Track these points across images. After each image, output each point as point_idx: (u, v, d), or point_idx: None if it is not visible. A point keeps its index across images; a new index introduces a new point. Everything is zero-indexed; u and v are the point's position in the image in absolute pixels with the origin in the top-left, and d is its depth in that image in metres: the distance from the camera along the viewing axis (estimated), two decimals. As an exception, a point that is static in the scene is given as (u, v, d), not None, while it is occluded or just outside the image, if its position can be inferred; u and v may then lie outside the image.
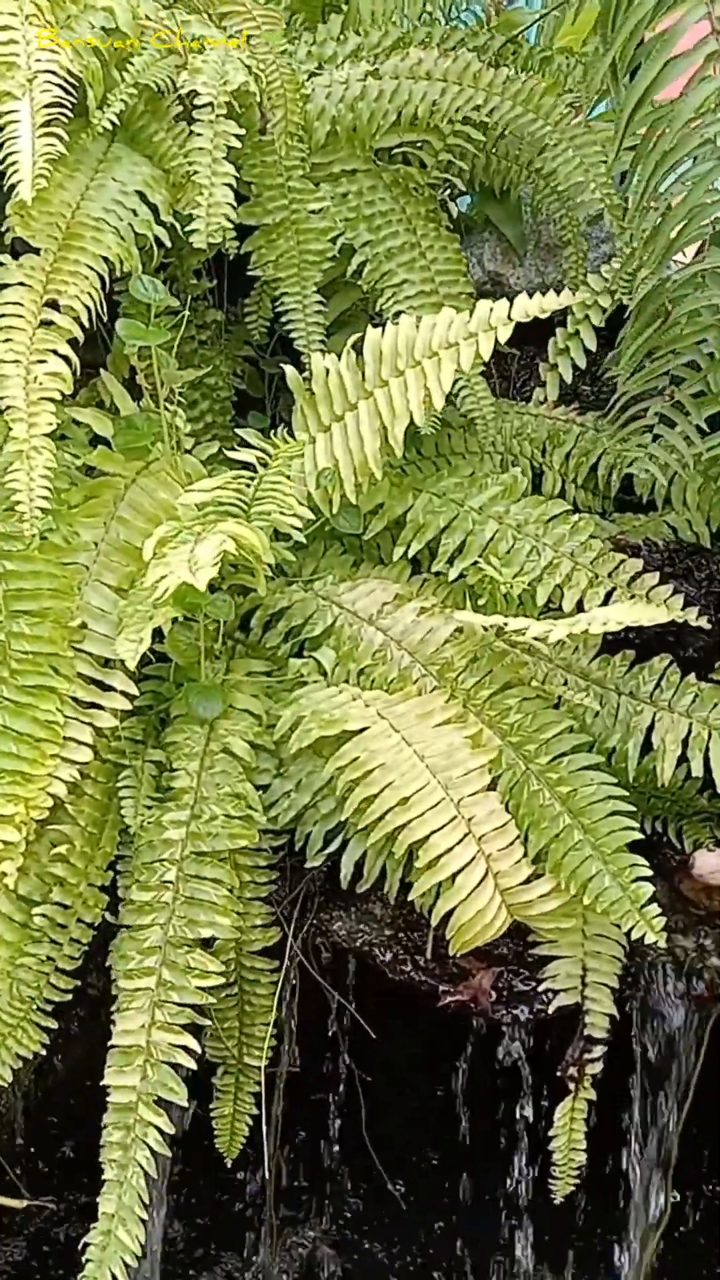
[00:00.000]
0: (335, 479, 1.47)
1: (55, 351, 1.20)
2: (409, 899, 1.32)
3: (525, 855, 1.32)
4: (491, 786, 1.32)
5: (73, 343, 1.27)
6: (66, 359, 1.22)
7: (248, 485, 1.35)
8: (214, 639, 1.43)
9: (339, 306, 1.71)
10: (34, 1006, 1.31)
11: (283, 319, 1.59)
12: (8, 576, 1.31)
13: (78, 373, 1.32)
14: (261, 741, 1.40)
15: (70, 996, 1.34)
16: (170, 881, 1.27)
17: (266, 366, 1.85)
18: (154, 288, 1.34)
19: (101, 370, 1.49)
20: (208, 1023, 1.27)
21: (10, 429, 1.15)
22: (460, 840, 1.28)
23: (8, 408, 1.16)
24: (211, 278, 1.72)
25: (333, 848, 1.38)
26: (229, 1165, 1.50)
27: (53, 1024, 1.33)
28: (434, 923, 1.31)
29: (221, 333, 1.76)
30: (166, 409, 1.50)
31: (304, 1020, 1.52)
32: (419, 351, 1.44)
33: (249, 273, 1.60)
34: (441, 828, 1.28)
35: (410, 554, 1.54)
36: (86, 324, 1.26)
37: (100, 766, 1.39)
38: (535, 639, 1.33)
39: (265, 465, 1.33)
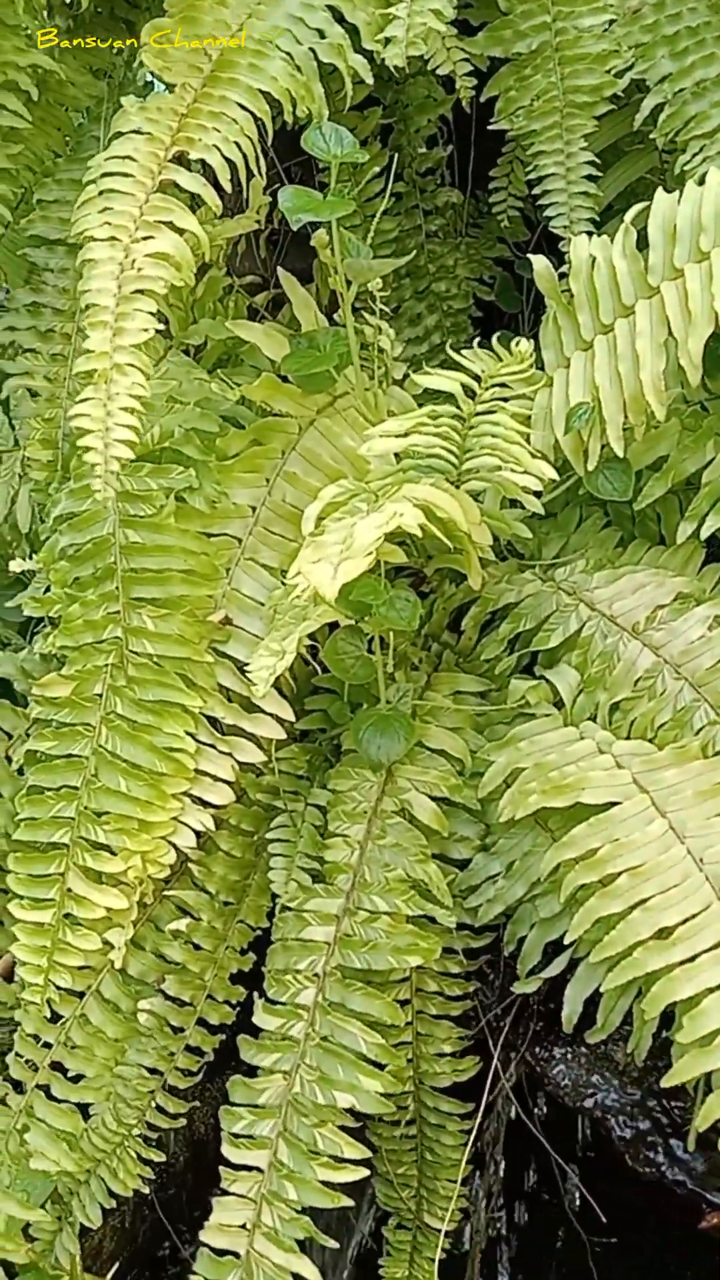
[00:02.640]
0: (595, 419, 1.00)
1: (170, 224, 0.81)
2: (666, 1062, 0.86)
3: None
4: None
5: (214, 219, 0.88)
6: (182, 233, 0.82)
7: (459, 427, 0.91)
8: (400, 648, 1.02)
9: (619, 179, 1.22)
10: (133, 1132, 0.97)
11: (537, 191, 1.12)
12: (129, 552, 0.96)
13: (225, 261, 0.94)
14: (462, 799, 0.98)
15: (182, 1122, 0.99)
16: (305, 1008, 0.88)
17: (525, 270, 1.39)
18: (336, 138, 0.92)
19: (280, 269, 1.10)
20: (349, 1201, 0.87)
21: (88, 335, 0.78)
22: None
23: (88, 305, 0.79)
24: (447, 142, 1.27)
25: (553, 971, 0.94)
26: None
27: (158, 1156, 0.99)
28: (705, 1111, 0.84)
29: (460, 223, 1.32)
30: (366, 322, 1.08)
31: (511, 1175, 1.10)
32: (738, 222, 0.93)
33: (491, 126, 1.13)
34: (723, 981, 0.80)
35: (705, 533, 1.04)
36: (228, 185, 0.86)
37: (244, 812, 1.02)
38: None
39: (473, 395, 0.88)
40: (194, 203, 0.85)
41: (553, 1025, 1.06)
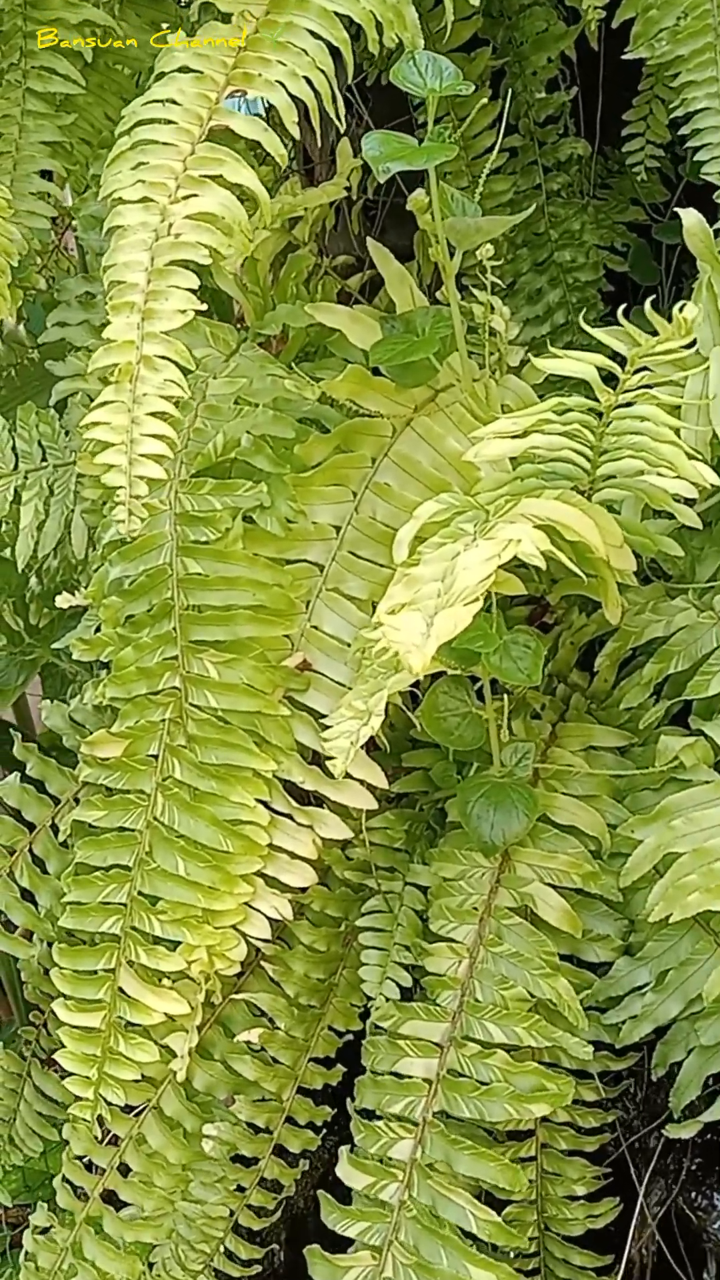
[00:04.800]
0: (766, 409, 0.79)
1: (219, 178, 0.64)
2: None
3: None
4: None
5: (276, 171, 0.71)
6: (240, 192, 0.65)
7: (593, 423, 0.71)
8: (519, 692, 0.83)
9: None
10: (198, 1277, 0.81)
11: (686, 131, 0.91)
12: (189, 585, 0.79)
13: (313, 240, 0.77)
14: (598, 888, 0.78)
15: (257, 1269, 0.82)
16: (399, 1165, 0.69)
17: (664, 236, 1.18)
18: (434, 68, 0.73)
19: (371, 242, 0.92)
20: None
21: (110, 319, 0.61)
22: None
23: (112, 284, 0.62)
24: (570, 85, 1.07)
25: (716, 1115, 0.73)
26: None
27: (229, 1313, 0.82)
28: None
29: (586, 183, 1.12)
30: (475, 300, 0.89)
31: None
32: None
33: (625, 56, 0.93)
34: None
35: None
36: (297, 132, 0.69)
37: (328, 895, 0.85)
38: None
39: (614, 382, 0.68)
40: (256, 159, 0.68)
41: (715, 1163, 0.85)
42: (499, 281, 0.92)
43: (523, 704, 0.90)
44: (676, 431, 0.76)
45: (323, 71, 0.70)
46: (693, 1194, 0.83)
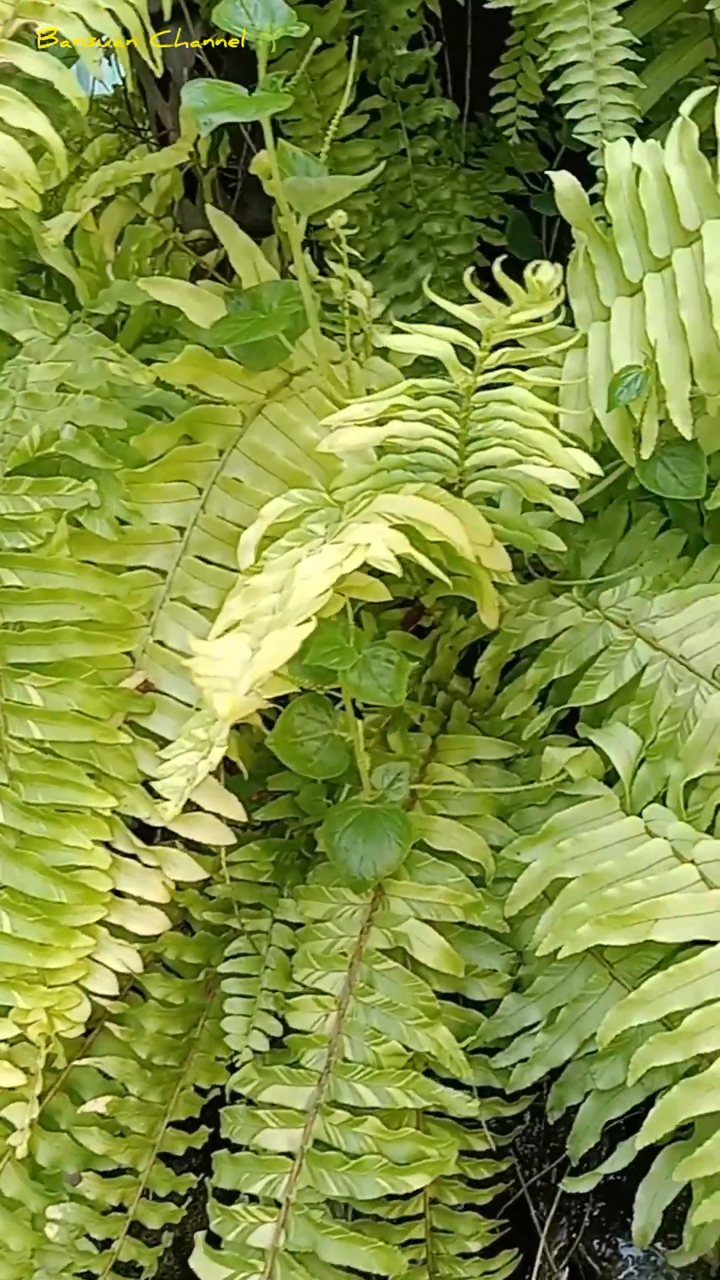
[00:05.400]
0: (649, 388, 0.72)
1: None
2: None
3: None
4: None
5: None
6: (28, 140, 0.55)
7: (456, 408, 0.64)
8: (393, 718, 0.75)
9: (664, 76, 0.93)
10: None
11: (557, 87, 0.84)
12: (5, 600, 0.69)
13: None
14: (481, 920, 0.71)
15: None
16: (260, 1253, 0.61)
17: (543, 207, 1.11)
18: (264, 9, 0.64)
19: (212, 211, 0.83)
20: None
21: None
22: None
23: None
24: (435, 41, 0.99)
25: (614, 1166, 0.67)
26: None
27: None
28: None
29: (456, 149, 1.04)
30: (333, 274, 0.81)
31: None
32: None
33: (489, 4, 0.85)
34: None
35: None
36: (100, 72, 0.59)
37: (184, 942, 0.76)
38: None
39: (470, 364, 0.60)
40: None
41: (619, 1208, 0.79)
42: (360, 255, 0.84)
43: (400, 716, 0.82)
44: (554, 418, 0.69)
45: (132, 6, 0.61)
46: (595, 1242, 0.77)
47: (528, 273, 0.52)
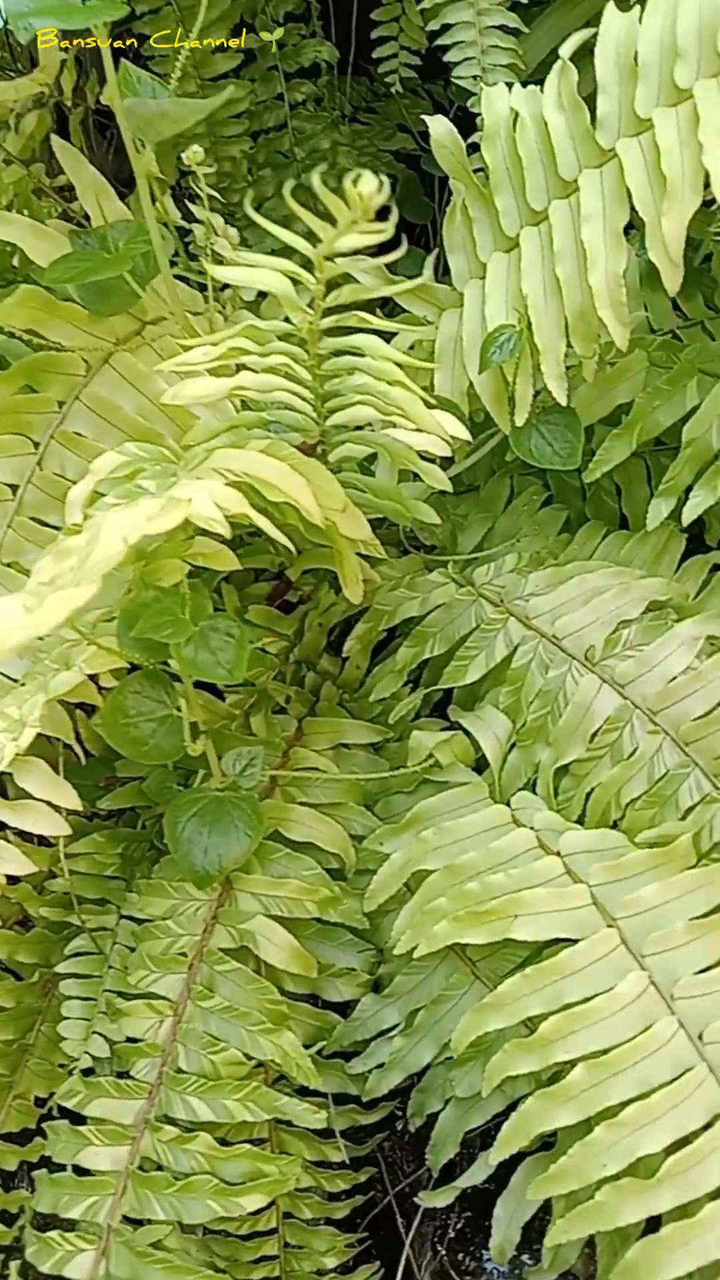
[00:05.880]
0: (523, 350, 0.68)
1: None
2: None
3: None
4: None
5: None
6: None
7: (304, 357, 0.58)
8: (260, 682, 0.69)
9: (558, 26, 0.89)
10: None
11: (434, 26, 0.79)
12: None
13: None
14: (338, 915, 0.66)
15: None
16: (77, 1291, 0.55)
17: (433, 166, 1.06)
18: None
19: (55, 139, 0.76)
20: None
21: None
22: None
23: None
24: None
25: (473, 1179, 0.62)
26: None
27: None
28: None
29: (341, 95, 0.98)
30: (192, 213, 0.74)
31: None
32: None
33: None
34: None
35: (689, 515, 0.72)
36: None
37: (17, 941, 0.70)
38: None
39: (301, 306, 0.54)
40: None
41: (484, 1220, 0.75)
42: (215, 195, 0.78)
43: (264, 697, 0.76)
44: (429, 377, 0.64)
45: None
46: (460, 1254, 0.73)
47: (347, 183, 0.47)
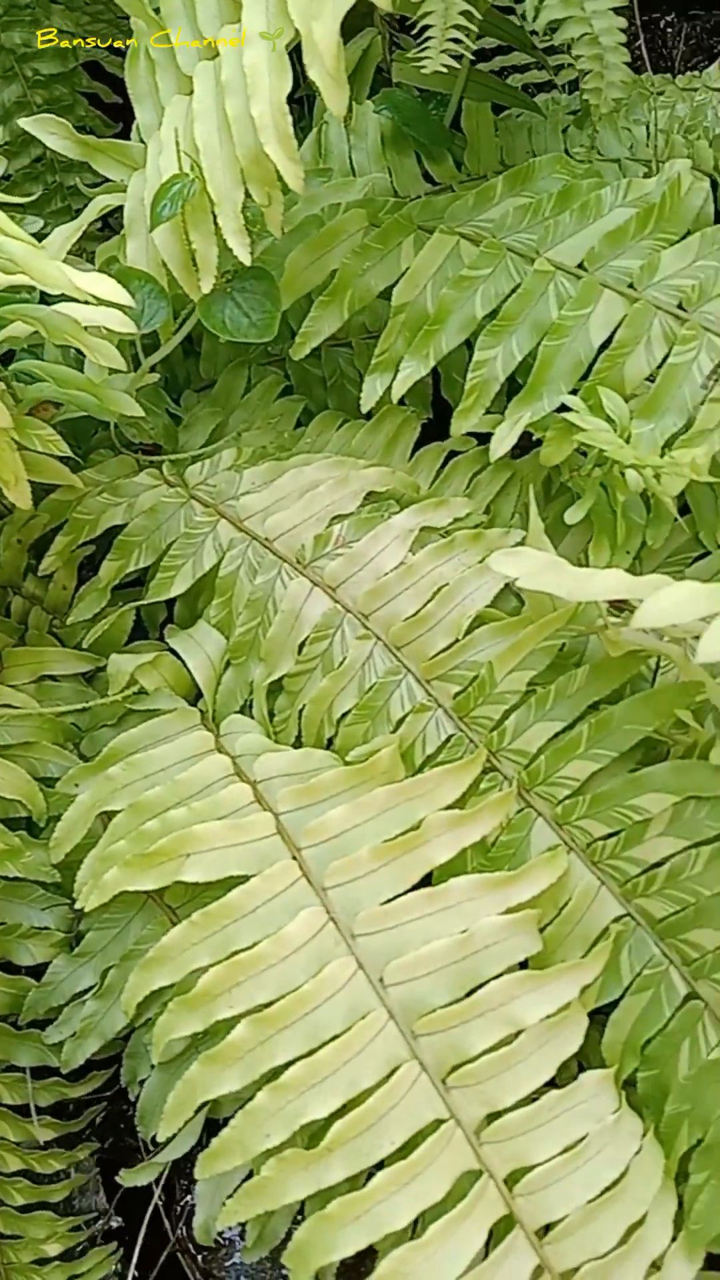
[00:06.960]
0: (198, 199, 0.58)
1: None
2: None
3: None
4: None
5: None
6: None
7: None
8: None
9: None
10: None
11: None
12: None
13: None
14: (21, 869, 0.57)
15: None
16: None
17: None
18: None
19: None
20: None
21: None
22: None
23: None
24: None
25: (176, 1152, 0.55)
26: None
27: None
28: None
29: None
30: None
31: None
32: None
33: None
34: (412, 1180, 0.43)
35: (399, 390, 0.64)
36: None
37: None
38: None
39: None
40: None
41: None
42: None
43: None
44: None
45: None
46: (207, 1252, 0.66)
47: None
